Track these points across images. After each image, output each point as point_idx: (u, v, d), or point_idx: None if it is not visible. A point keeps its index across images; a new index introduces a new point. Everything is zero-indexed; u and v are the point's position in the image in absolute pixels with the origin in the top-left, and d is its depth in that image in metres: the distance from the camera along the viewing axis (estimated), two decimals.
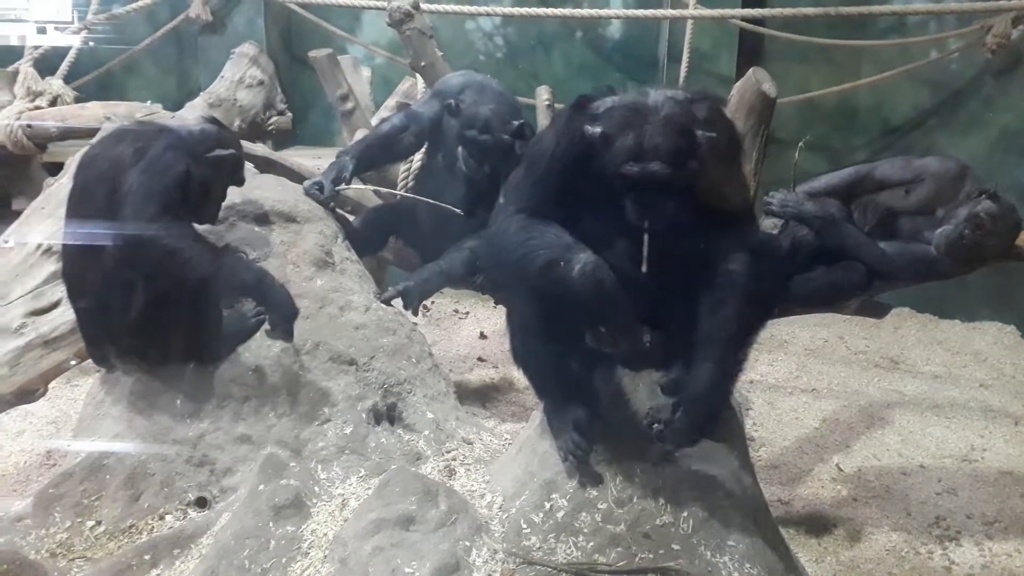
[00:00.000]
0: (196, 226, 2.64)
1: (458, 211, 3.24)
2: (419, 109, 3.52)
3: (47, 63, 4.87)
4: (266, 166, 3.55)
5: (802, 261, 3.00)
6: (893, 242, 2.98)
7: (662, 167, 2.04)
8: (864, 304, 3.25)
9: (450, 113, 3.31)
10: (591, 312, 2.11)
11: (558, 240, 2.11)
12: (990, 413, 4.22)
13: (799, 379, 4.66)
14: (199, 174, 2.60)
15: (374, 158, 3.52)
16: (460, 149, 3.30)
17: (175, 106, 4.28)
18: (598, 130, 2.10)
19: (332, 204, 3.28)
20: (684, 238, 2.12)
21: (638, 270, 2.10)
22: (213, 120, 2.83)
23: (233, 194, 2.89)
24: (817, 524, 3.19)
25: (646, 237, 2.09)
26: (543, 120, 3.83)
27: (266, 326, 2.64)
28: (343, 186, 3.31)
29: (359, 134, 3.93)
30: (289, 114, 4.70)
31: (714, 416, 2.29)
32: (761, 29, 5.51)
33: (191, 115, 3.78)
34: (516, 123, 3.26)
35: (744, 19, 5.37)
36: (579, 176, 2.18)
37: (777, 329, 5.09)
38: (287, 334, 2.61)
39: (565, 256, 2.07)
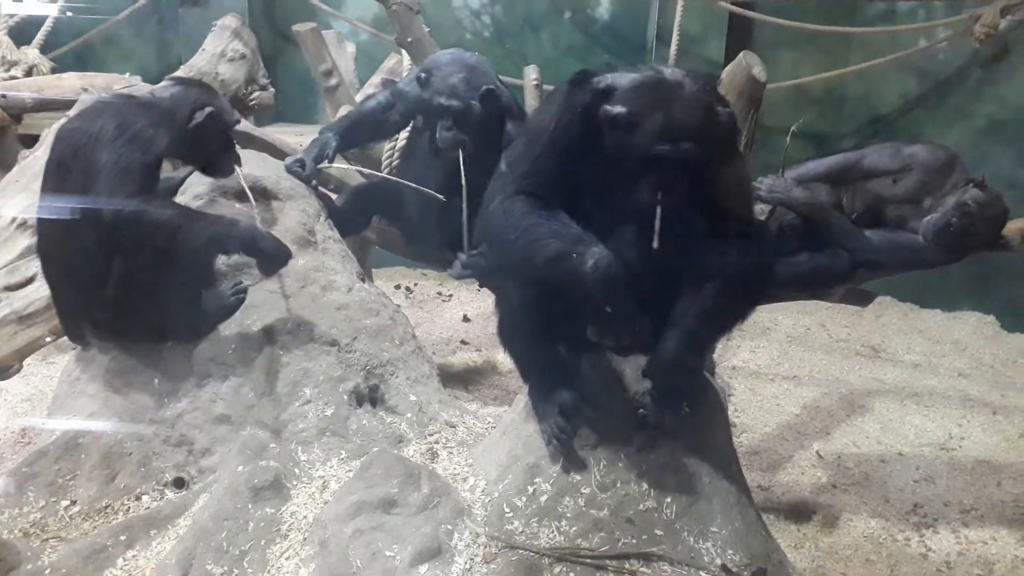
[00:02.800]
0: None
1: (439, 196, 3.19)
2: (405, 87, 3.46)
3: (23, 32, 4.76)
4: (247, 142, 3.48)
5: (788, 247, 2.99)
6: (880, 230, 2.97)
7: (693, 147, 1.99)
8: (849, 292, 3.25)
9: (420, 85, 3.23)
10: (598, 306, 2.05)
11: (567, 230, 2.03)
12: (968, 402, 4.26)
13: (781, 366, 4.68)
14: (188, 142, 2.58)
15: (358, 136, 3.47)
16: (439, 124, 3.23)
17: (155, 79, 4.19)
18: (620, 110, 2.03)
19: (314, 183, 3.22)
20: (689, 221, 2.10)
21: (635, 253, 2.07)
22: (182, 80, 2.78)
23: None
24: (797, 510, 3.21)
25: (658, 215, 2.02)
26: (531, 100, 3.79)
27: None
28: (325, 164, 3.24)
29: (343, 111, 3.86)
30: (272, 89, 4.61)
31: (685, 384, 2.28)
32: (750, 13, 5.49)
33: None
34: (484, 88, 3.14)
35: (733, 2, 5.34)
36: (582, 155, 2.13)
37: (760, 316, 5.10)
38: (275, 271, 2.71)
39: (576, 249, 1.99)
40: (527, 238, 2.06)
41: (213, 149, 2.71)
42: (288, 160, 3.20)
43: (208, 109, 2.62)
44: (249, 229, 2.61)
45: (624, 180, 2.08)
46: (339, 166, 3.45)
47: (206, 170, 2.79)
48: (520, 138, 2.32)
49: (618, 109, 2.03)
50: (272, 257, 2.62)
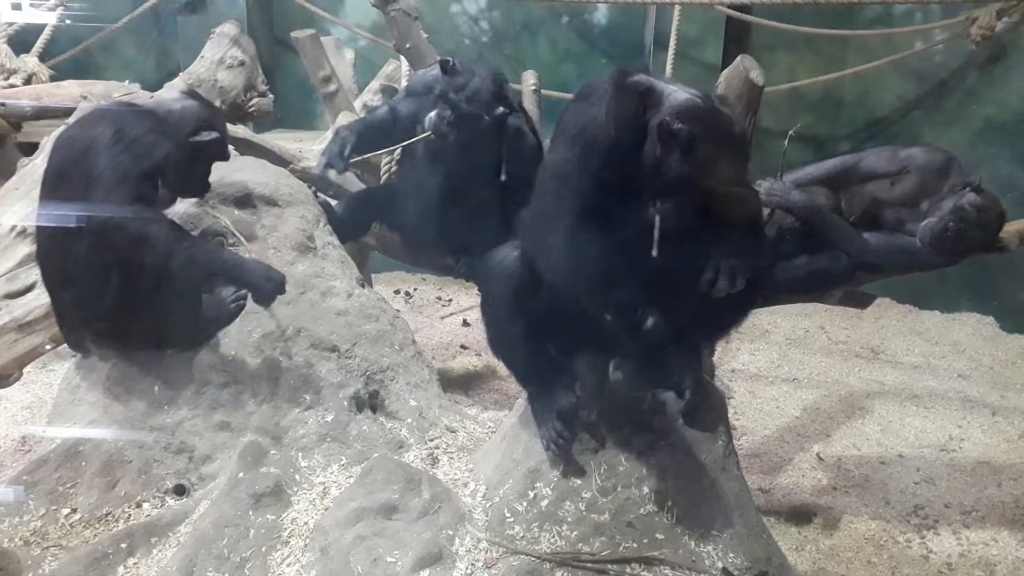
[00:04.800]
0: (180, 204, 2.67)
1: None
2: (398, 106, 3.48)
3: (22, 40, 4.76)
4: (247, 148, 3.49)
5: (787, 250, 3.00)
6: (878, 233, 2.98)
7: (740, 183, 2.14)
8: (848, 294, 3.26)
9: (444, 71, 3.18)
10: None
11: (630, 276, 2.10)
12: (968, 403, 4.26)
13: (780, 368, 4.68)
14: (181, 156, 2.56)
15: (370, 138, 3.46)
16: (435, 111, 3.18)
17: (154, 86, 4.20)
18: (681, 126, 2.04)
19: (359, 172, 3.28)
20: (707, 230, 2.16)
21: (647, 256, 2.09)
22: (194, 95, 2.77)
23: (213, 176, 2.83)
24: (797, 512, 3.21)
25: (658, 223, 2.09)
26: (529, 105, 3.79)
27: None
28: (354, 157, 3.29)
29: (342, 116, 3.87)
30: (271, 96, 4.61)
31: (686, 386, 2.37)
32: (747, 17, 5.50)
33: (170, 95, 3.71)
34: (502, 110, 3.14)
35: (731, 6, 5.35)
36: (628, 164, 2.13)
37: (759, 319, 5.11)
38: (270, 302, 2.64)
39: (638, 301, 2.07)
40: (589, 270, 2.11)
41: (195, 170, 2.68)
42: (318, 168, 3.28)
43: (216, 135, 2.63)
44: (235, 261, 2.60)
45: (637, 185, 2.12)
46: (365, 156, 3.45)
47: (178, 189, 2.72)
48: (566, 145, 2.23)
49: (679, 125, 2.04)
50: (260, 287, 2.58)
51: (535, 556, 2.15)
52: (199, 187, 2.73)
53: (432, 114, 3.18)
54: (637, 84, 2.16)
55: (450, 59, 3.19)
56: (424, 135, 3.21)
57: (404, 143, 3.40)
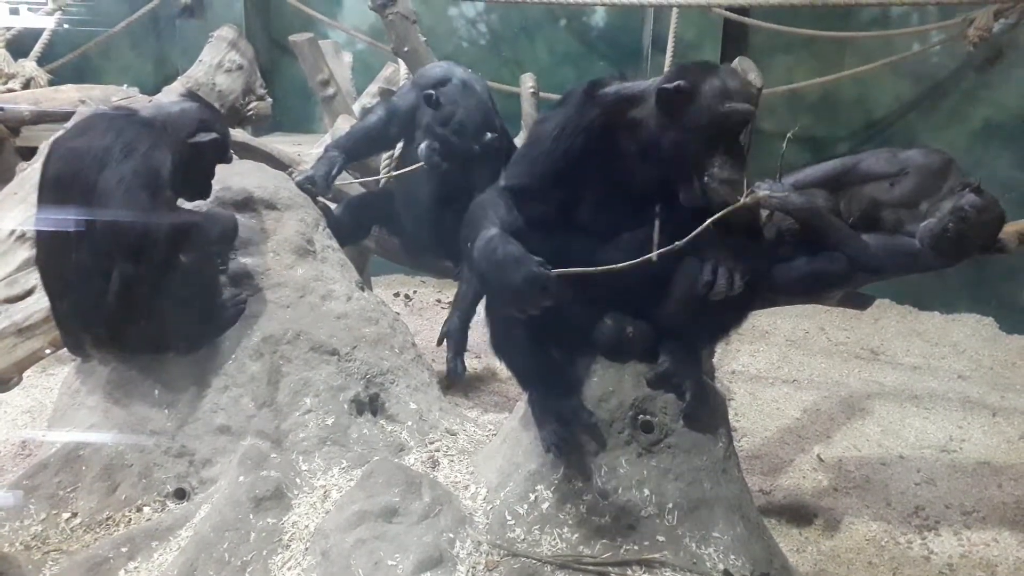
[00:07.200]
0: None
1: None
2: (398, 101, 3.48)
3: (20, 45, 4.77)
4: (245, 152, 3.49)
5: (786, 252, 3.00)
6: (877, 234, 2.97)
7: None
8: (847, 295, 3.26)
9: (428, 104, 3.21)
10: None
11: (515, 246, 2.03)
12: (968, 404, 4.26)
13: (780, 370, 4.68)
14: (183, 159, 2.58)
15: (361, 151, 3.50)
16: (426, 142, 3.23)
17: (152, 90, 4.20)
18: (682, 82, 2.08)
19: (329, 195, 3.26)
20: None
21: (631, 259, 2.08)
22: (194, 96, 2.78)
23: (215, 179, 2.84)
24: (798, 514, 3.21)
25: (657, 226, 2.08)
26: (528, 108, 3.80)
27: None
28: (336, 180, 3.31)
29: (340, 120, 3.87)
30: (269, 99, 4.63)
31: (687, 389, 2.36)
32: (745, 19, 5.51)
33: (169, 98, 3.72)
34: (489, 135, 3.17)
35: (729, 9, 5.36)
36: (589, 158, 2.16)
37: (759, 320, 5.12)
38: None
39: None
40: (486, 242, 2.07)
41: (200, 175, 2.72)
42: (298, 177, 3.22)
43: (216, 136, 2.65)
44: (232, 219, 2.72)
45: (617, 185, 2.11)
46: (350, 181, 3.51)
47: (181, 191, 2.75)
48: (528, 138, 2.34)
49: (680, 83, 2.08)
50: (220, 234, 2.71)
51: (536, 559, 2.15)
52: (202, 189, 2.74)
53: (423, 145, 3.22)
54: (605, 95, 2.19)
55: (432, 93, 3.19)
56: (418, 165, 3.25)
57: (397, 172, 3.46)
